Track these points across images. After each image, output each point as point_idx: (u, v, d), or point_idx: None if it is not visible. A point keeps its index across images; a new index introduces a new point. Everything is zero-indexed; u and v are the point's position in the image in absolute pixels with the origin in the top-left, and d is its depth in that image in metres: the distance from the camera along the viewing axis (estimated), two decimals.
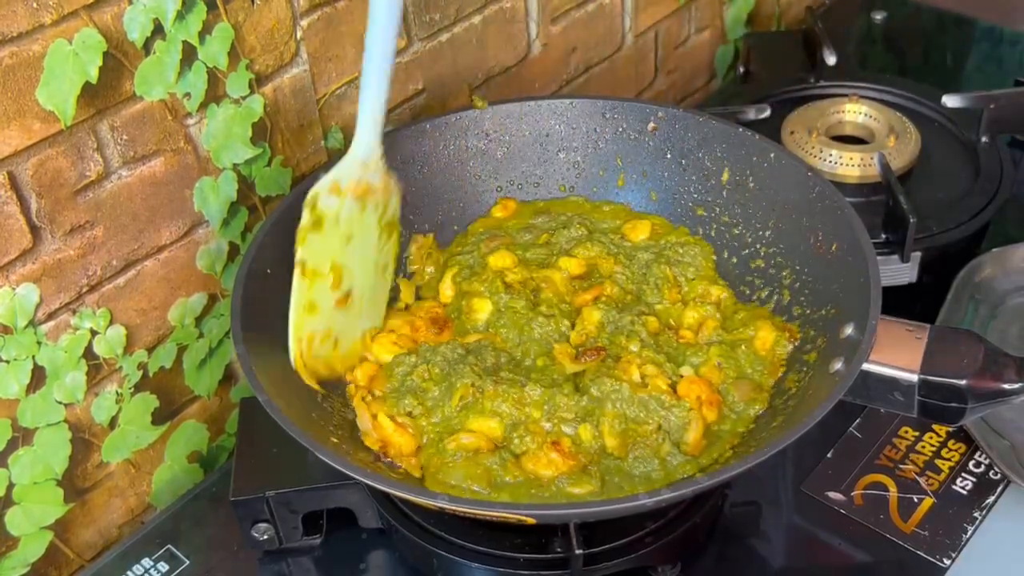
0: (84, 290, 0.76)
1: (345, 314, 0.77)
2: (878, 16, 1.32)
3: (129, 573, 0.78)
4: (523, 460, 0.72)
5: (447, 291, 0.84)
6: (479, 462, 0.72)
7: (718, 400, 0.75)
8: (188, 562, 0.79)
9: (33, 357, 0.75)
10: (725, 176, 0.86)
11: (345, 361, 0.78)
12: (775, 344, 0.78)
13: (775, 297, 0.82)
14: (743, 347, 0.78)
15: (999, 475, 0.80)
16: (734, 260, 0.85)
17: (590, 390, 0.74)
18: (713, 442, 0.73)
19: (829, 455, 0.82)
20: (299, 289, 0.74)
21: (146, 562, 0.79)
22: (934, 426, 0.84)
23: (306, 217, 0.74)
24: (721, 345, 0.78)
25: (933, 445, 0.83)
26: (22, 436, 0.76)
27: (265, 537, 0.77)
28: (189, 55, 0.76)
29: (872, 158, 0.98)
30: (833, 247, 0.77)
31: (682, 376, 0.76)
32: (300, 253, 0.74)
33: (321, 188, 0.74)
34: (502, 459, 0.72)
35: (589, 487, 0.70)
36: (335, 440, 0.73)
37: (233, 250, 0.85)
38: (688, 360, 0.77)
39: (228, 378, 0.89)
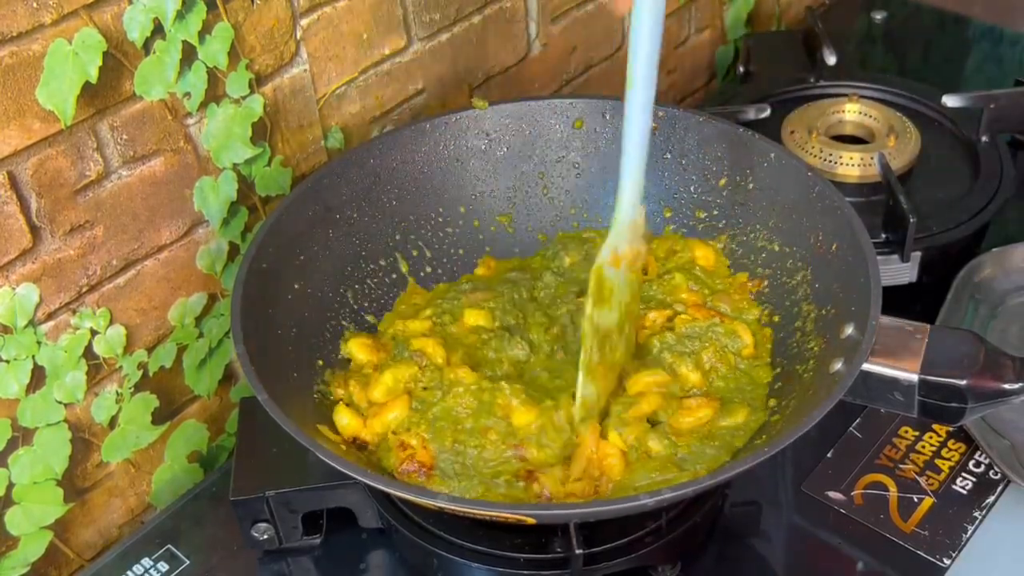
0: (84, 290, 0.76)
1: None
2: (878, 16, 1.32)
3: (129, 573, 0.78)
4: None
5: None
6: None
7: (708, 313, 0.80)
8: (188, 562, 0.79)
9: (33, 357, 0.75)
10: (725, 176, 0.86)
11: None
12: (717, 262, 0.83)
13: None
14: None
15: (999, 475, 0.80)
16: (734, 259, 0.86)
17: (648, 354, 0.77)
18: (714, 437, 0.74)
19: (829, 455, 0.82)
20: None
21: (146, 562, 0.79)
22: (934, 426, 0.84)
23: (592, 292, 0.74)
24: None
25: (933, 445, 0.83)
26: (22, 436, 0.76)
27: (265, 537, 0.77)
28: (189, 55, 0.76)
29: (872, 158, 0.98)
30: (833, 247, 0.77)
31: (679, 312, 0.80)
32: (589, 334, 0.74)
33: (603, 260, 0.74)
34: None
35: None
36: (335, 440, 0.73)
37: (233, 250, 0.85)
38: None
39: (228, 378, 0.89)
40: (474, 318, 0.81)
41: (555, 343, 0.81)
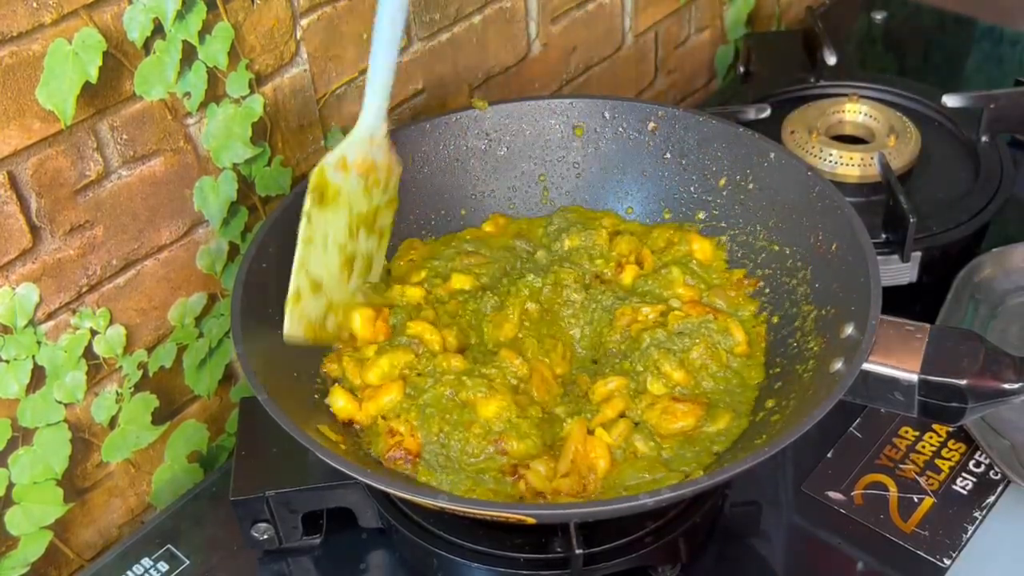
0: (84, 290, 0.76)
1: (340, 282, 0.79)
2: (878, 16, 1.32)
3: (129, 573, 0.78)
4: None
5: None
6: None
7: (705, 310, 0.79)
8: (188, 562, 0.79)
9: (33, 357, 0.75)
10: (725, 176, 0.86)
11: (335, 328, 0.79)
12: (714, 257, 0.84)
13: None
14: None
15: (999, 475, 0.80)
16: (734, 259, 0.85)
17: (636, 349, 0.78)
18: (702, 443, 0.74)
19: (829, 455, 0.82)
20: (301, 257, 0.75)
21: (146, 562, 0.79)
22: (934, 426, 0.84)
23: (312, 189, 0.75)
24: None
25: (933, 445, 0.83)
26: (22, 436, 0.76)
27: (265, 537, 0.77)
28: (189, 55, 0.76)
29: (872, 158, 0.98)
30: (833, 247, 0.77)
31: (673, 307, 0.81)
32: (304, 227, 0.75)
33: (328, 163, 0.76)
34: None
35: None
36: (335, 440, 0.73)
37: (233, 250, 0.85)
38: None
39: (228, 378, 0.89)
40: (460, 282, 0.83)
41: (526, 319, 0.81)
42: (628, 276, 0.84)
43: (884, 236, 0.93)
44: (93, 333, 0.78)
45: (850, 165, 0.98)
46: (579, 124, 0.90)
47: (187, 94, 0.77)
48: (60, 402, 0.77)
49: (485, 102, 0.89)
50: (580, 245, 0.86)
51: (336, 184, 0.77)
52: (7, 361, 0.73)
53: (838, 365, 0.70)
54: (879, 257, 0.74)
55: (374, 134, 0.78)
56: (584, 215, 0.90)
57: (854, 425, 0.84)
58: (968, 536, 0.76)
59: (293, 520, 0.77)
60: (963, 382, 0.67)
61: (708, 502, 0.75)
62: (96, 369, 0.79)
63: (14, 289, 0.72)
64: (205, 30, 0.76)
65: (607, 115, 0.90)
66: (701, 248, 0.85)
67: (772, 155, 0.83)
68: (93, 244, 0.76)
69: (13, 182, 0.70)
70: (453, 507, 0.67)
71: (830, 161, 0.99)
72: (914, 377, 0.68)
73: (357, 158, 0.78)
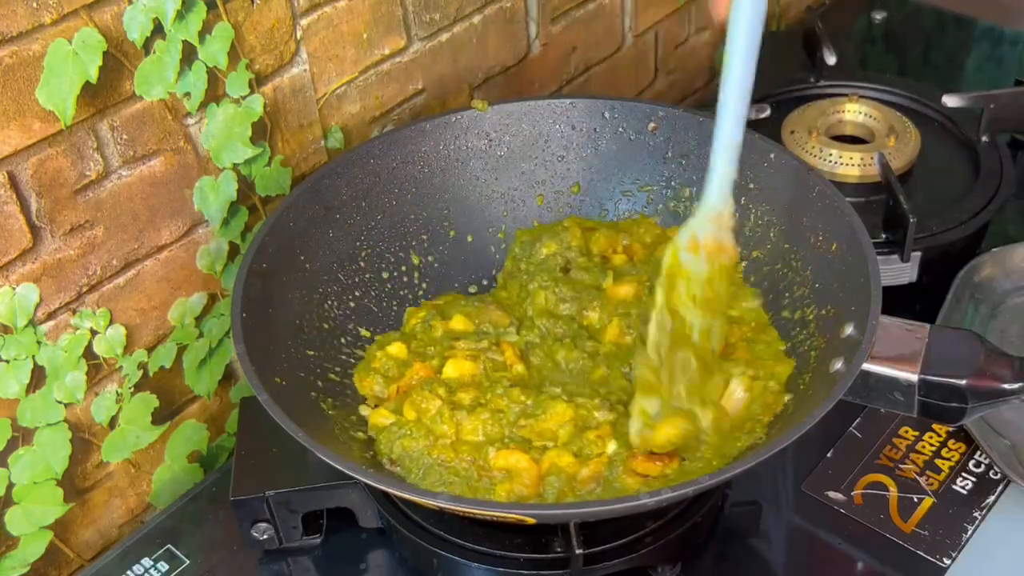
0: (84, 290, 0.76)
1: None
2: (878, 16, 1.32)
3: (129, 573, 0.78)
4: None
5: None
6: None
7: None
8: (188, 562, 0.79)
9: (33, 357, 0.75)
10: None
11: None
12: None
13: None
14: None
15: (999, 475, 0.80)
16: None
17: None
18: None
19: (829, 455, 0.82)
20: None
21: (146, 562, 0.79)
22: (934, 426, 0.84)
23: (665, 275, 0.72)
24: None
25: (933, 445, 0.83)
26: (22, 436, 0.76)
27: (265, 537, 0.77)
28: (189, 55, 0.76)
29: (872, 158, 0.98)
30: (833, 247, 0.77)
31: None
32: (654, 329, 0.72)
33: (681, 244, 0.72)
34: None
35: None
36: (335, 439, 0.73)
37: (233, 250, 0.85)
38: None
39: (228, 378, 0.89)
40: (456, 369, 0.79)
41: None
42: (621, 292, 0.83)
43: (884, 236, 0.93)
44: (93, 333, 0.78)
45: (850, 165, 0.98)
46: (579, 124, 0.90)
47: (187, 94, 0.77)
48: (60, 402, 0.77)
49: (485, 102, 0.89)
50: (556, 250, 0.86)
51: (686, 268, 0.72)
52: (7, 361, 0.73)
53: (838, 365, 0.70)
54: (879, 257, 0.74)
55: (723, 210, 0.72)
56: (543, 228, 0.89)
57: (854, 425, 0.84)
58: (968, 536, 0.76)
59: (293, 520, 0.77)
60: (963, 382, 0.67)
61: (708, 502, 0.75)
62: (96, 369, 0.79)
63: (14, 289, 0.72)
64: (205, 30, 0.76)
65: (607, 115, 0.90)
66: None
67: (772, 155, 0.83)
68: (93, 244, 0.76)
69: (13, 182, 0.70)
70: (453, 507, 0.67)
71: (830, 161, 0.99)
72: (914, 377, 0.68)
73: (707, 238, 0.72)
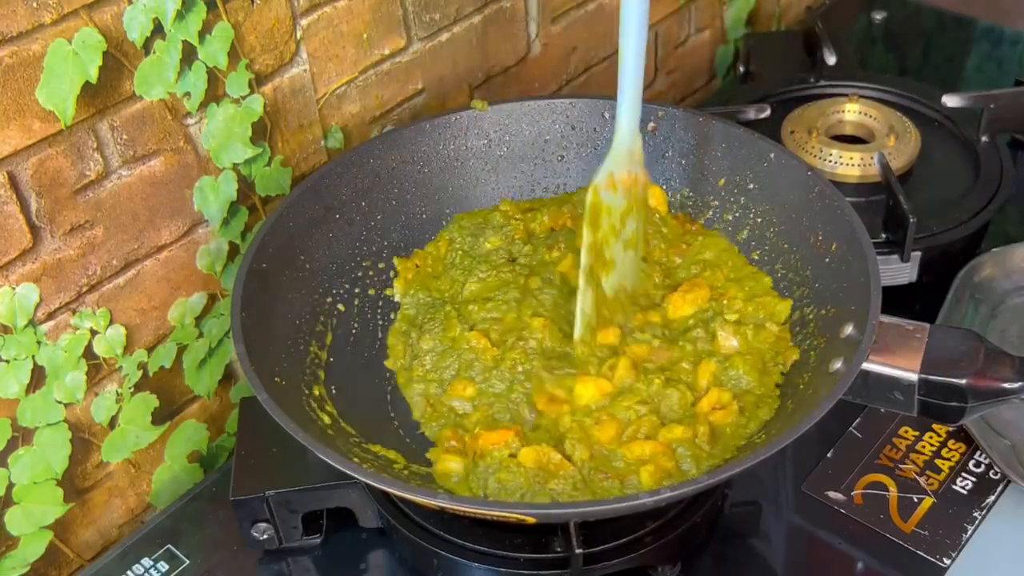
0: (84, 290, 0.76)
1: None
2: (878, 16, 1.32)
3: (129, 573, 0.78)
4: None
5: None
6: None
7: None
8: (188, 562, 0.79)
9: (33, 357, 0.75)
10: (725, 176, 0.86)
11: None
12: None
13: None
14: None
15: (999, 475, 0.80)
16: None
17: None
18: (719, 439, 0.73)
19: (829, 455, 0.82)
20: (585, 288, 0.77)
21: (146, 562, 0.79)
22: (934, 426, 0.84)
23: (588, 214, 0.77)
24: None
25: (933, 445, 0.83)
26: (22, 436, 0.76)
27: (265, 537, 0.77)
28: (189, 55, 0.76)
29: (872, 158, 0.98)
30: (833, 247, 0.77)
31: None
32: (585, 255, 0.77)
33: (600, 183, 0.77)
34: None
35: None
36: (335, 439, 0.73)
37: (233, 250, 0.85)
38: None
39: (228, 378, 0.89)
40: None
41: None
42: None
43: (884, 236, 0.93)
44: (93, 333, 0.78)
45: (850, 165, 0.98)
46: (579, 124, 0.90)
47: (187, 94, 0.77)
48: (60, 402, 0.78)
49: (485, 102, 0.89)
50: (500, 244, 0.86)
51: (607, 204, 0.77)
52: (7, 361, 0.73)
53: (838, 365, 0.70)
54: (879, 257, 0.74)
55: (632, 147, 0.78)
56: (481, 213, 0.90)
57: (854, 425, 0.84)
58: (968, 536, 0.76)
59: (293, 520, 0.77)
60: (963, 382, 0.67)
61: (708, 502, 0.75)
62: (96, 369, 0.79)
63: (14, 289, 0.72)
64: (205, 30, 0.76)
65: (607, 115, 0.90)
66: (657, 198, 0.87)
67: (772, 155, 0.83)
68: (93, 244, 0.76)
69: (13, 182, 0.70)
70: (453, 507, 0.67)
71: (830, 161, 0.99)
72: (914, 377, 0.68)
73: (623, 174, 0.78)
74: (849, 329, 0.71)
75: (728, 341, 0.77)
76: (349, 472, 0.65)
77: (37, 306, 0.74)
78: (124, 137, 0.75)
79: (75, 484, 0.81)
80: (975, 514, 0.78)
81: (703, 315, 0.80)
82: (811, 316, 0.77)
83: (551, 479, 0.71)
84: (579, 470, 0.71)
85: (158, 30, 0.73)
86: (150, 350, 0.82)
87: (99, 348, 0.79)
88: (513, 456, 0.72)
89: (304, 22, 0.83)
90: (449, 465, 0.74)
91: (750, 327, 0.78)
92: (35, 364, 0.75)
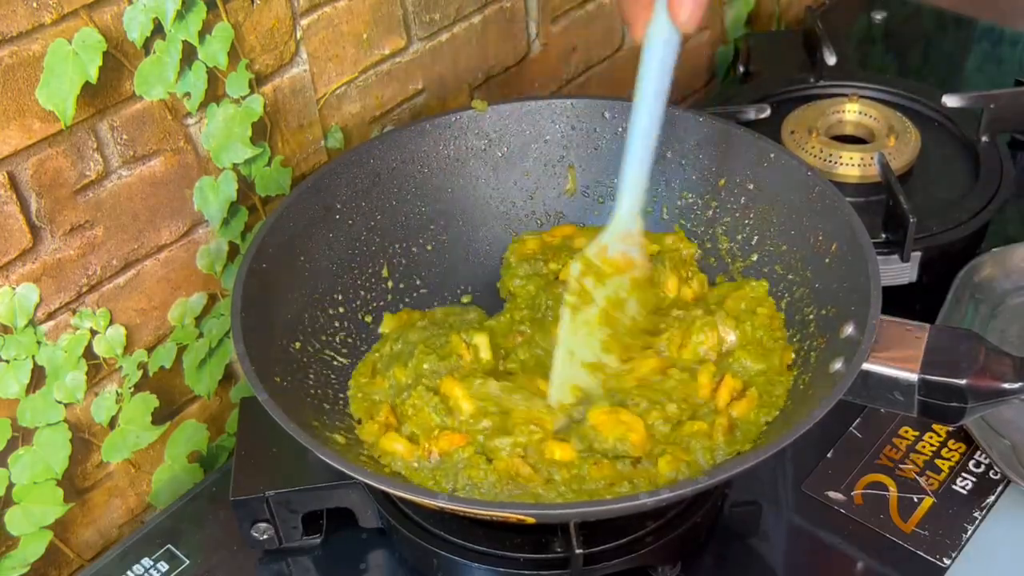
0: (84, 290, 0.76)
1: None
2: (878, 16, 1.32)
3: (129, 573, 0.78)
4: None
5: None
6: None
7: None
8: (188, 562, 0.79)
9: (33, 357, 0.75)
10: (725, 176, 0.86)
11: None
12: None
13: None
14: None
15: (999, 475, 0.80)
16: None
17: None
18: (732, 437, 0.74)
19: (829, 455, 0.82)
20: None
21: (146, 562, 0.79)
22: (934, 426, 0.84)
23: (572, 289, 0.75)
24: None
25: (933, 445, 0.83)
26: (22, 436, 0.76)
27: (265, 537, 0.77)
28: (189, 55, 0.76)
29: (872, 158, 0.98)
30: (833, 247, 0.77)
31: None
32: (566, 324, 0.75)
33: (590, 254, 0.76)
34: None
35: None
36: (335, 440, 0.73)
37: (233, 250, 0.85)
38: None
39: (228, 378, 0.89)
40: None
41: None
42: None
43: (884, 236, 0.93)
44: (93, 333, 0.78)
45: (850, 165, 0.98)
46: (579, 124, 0.90)
47: (187, 94, 0.77)
48: (60, 402, 0.78)
49: (485, 103, 0.89)
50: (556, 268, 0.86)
51: (588, 289, 0.76)
52: (7, 361, 0.73)
53: (838, 365, 0.70)
54: (879, 257, 0.74)
55: (631, 229, 0.77)
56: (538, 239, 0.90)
57: (854, 425, 0.84)
58: (968, 536, 0.76)
59: (293, 520, 0.77)
60: (963, 382, 0.67)
61: (708, 502, 0.75)
62: (96, 369, 0.79)
63: (14, 289, 0.72)
64: (205, 30, 0.76)
65: (607, 115, 0.89)
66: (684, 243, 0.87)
67: (772, 155, 0.83)
68: (93, 244, 0.76)
69: (13, 182, 0.70)
70: (453, 507, 0.67)
71: (830, 161, 0.99)
72: (914, 377, 0.68)
73: (616, 254, 0.76)
74: (849, 329, 0.71)
75: (728, 336, 0.78)
76: (349, 472, 0.65)
77: (37, 306, 0.74)
78: (124, 137, 0.75)
79: (75, 484, 0.81)
80: (975, 514, 0.78)
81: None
82: (811, 316, 0.77)
83: (520, 482, 0.71)
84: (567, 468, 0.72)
85: (158, 30, 0.73)
86: (150, 350, 0.82)
87: (99, 348, 0.79)
88: (480, 454, 0.72)
89: (304, 22, 0.83)
90: (395, 447, 0.73)
91: (747, 323, 0.78)
92: (35, 364, 0.75)
